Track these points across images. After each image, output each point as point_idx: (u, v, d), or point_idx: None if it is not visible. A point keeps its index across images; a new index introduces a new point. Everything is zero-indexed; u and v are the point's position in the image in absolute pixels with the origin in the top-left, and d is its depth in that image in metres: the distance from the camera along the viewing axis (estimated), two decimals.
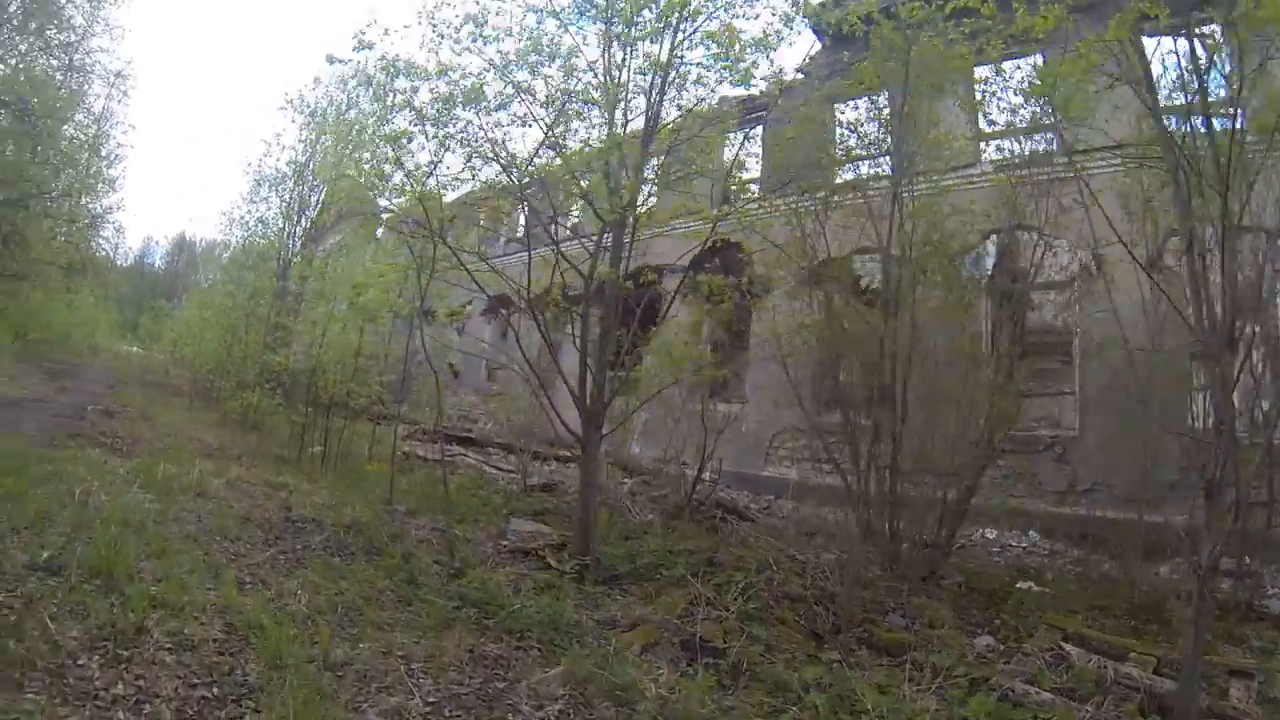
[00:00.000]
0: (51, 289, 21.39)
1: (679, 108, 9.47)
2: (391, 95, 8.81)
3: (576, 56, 8.74)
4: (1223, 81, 6.30)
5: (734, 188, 11.08)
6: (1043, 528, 12.43)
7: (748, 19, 8.90)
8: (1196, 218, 6.33)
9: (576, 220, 10.94)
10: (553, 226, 9.98)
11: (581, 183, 9.12)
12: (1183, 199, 6.37)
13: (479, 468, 14.33)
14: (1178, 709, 5.53)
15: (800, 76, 13.29)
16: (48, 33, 21.79)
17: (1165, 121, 6.83)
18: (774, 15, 8.80)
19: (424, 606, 6.61)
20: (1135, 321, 9.79)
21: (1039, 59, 11.18)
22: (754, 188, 11.73)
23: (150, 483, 8.66)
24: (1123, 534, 10.07)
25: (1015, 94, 10.52)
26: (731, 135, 11.29)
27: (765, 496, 15.74)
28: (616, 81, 8.87)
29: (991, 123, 11.35)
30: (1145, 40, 7.44)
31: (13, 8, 21.03)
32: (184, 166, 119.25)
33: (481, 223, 12.25)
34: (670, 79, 9.05)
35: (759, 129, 13.59)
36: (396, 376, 13.79)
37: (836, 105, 12.21)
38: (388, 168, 9.10)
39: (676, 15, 8.48)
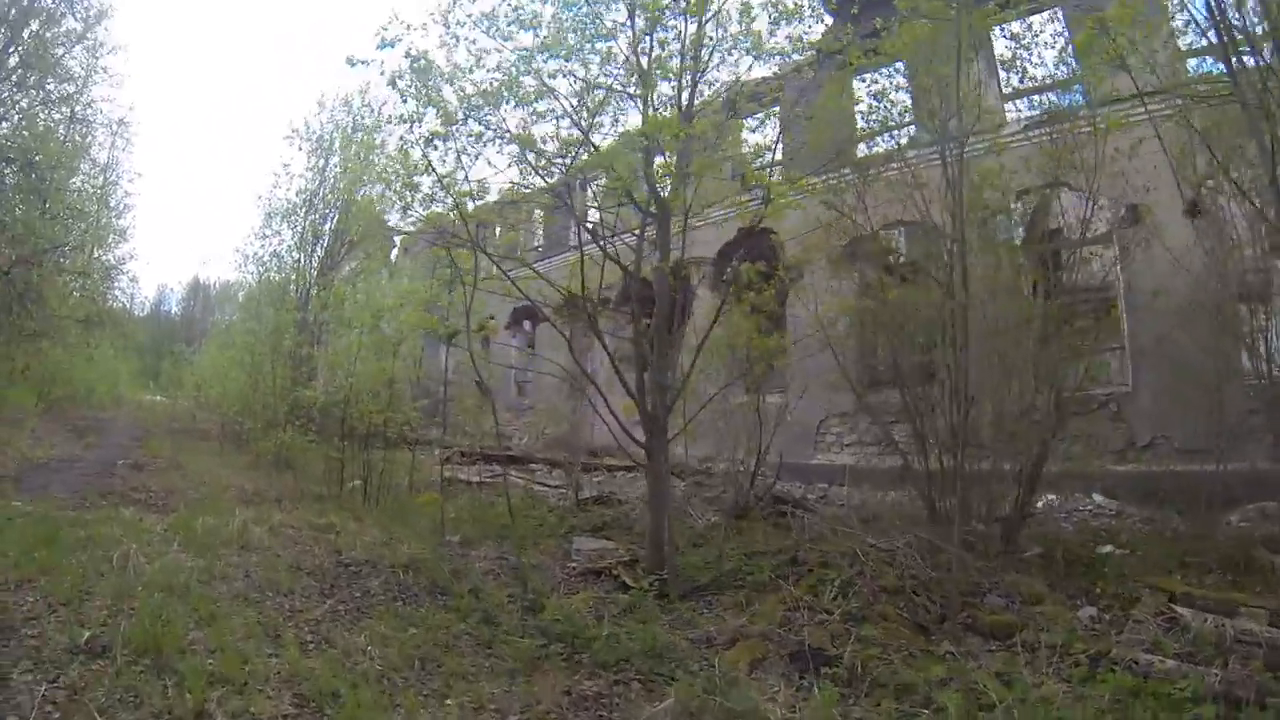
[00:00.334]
0: (71, 345, 20.83)
1: (709, 88, 8.89)
2: (422, 94, 8.17)
3: (615, 36, 8.15)
4: None
5: (763, 169, 10.44)
6: (1104, 488, 11.72)
7: None
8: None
9: (609, 216, 10.24)
10: (590, 224, 9.30)
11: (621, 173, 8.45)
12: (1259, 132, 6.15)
13: (525, 486, 13.64)
14: None
15: (813, 54, 12.64)
16: (48, 86, 21.24)
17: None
18: None
19: (506, 648, 6.03)
20: (1176, 271, 9.56)
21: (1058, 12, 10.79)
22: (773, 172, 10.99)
23: (190, 539, 8.02)
24: (1187, 486, 9.65)
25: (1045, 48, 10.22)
26: (747, 120, 10.56)
27: (818, 485, 14.99)
28: (648, 63, 8.28)
29: (1029, 79, 10.78)
30: None
31: (11, 63, 20.59)
32: (192, 210, 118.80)
33: (515, 227, 11.52)
34: (701, 57, 8.45)
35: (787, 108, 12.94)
36: (429, 400, 13.12)
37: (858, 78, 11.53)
38: (418, 177, 8.45)
39: None
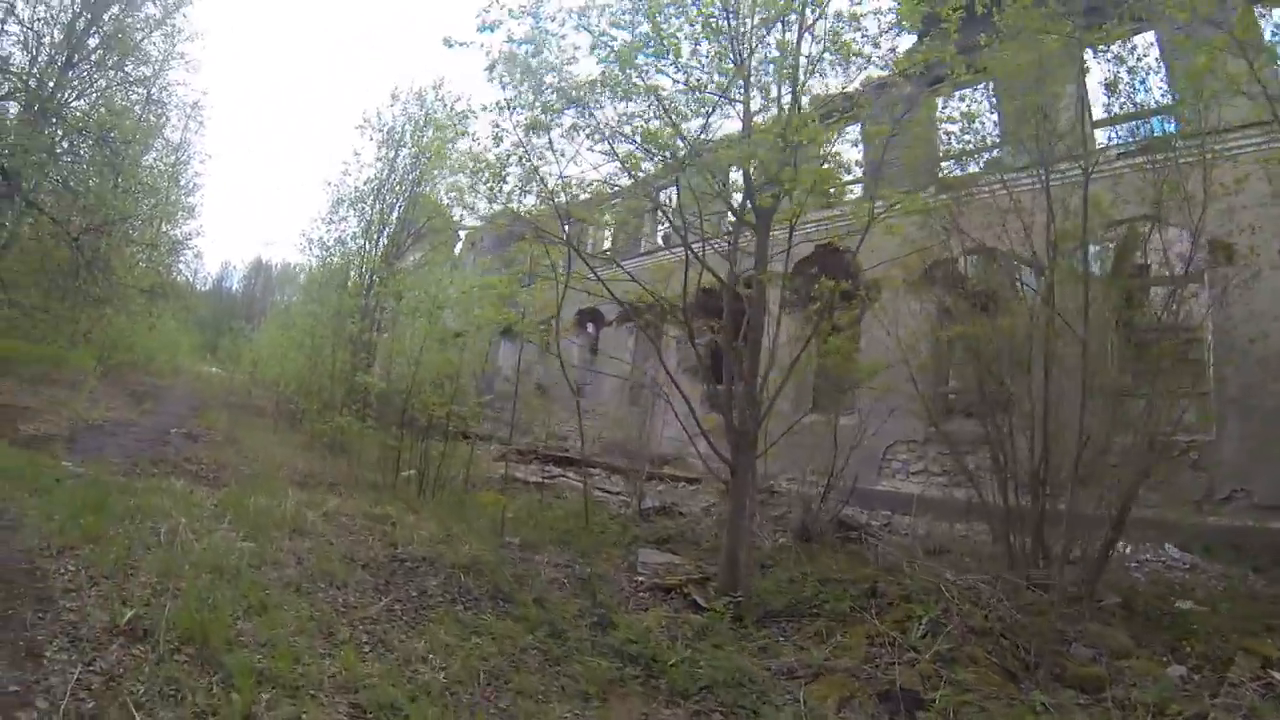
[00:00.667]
0: (135, 313, 20.76)
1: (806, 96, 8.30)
2: (525, 80, 7.65)
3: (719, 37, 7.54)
4: None
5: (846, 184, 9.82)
6: (1178, 540, 10.96)
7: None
8: None
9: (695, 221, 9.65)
10: (681, 229, 8.69)
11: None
12: None
13: (584, 491, 13.03)
14: None
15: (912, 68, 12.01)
16: (126, 68, 21.41)
17: None
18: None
19: (579, 667, 5.44)
20: (1273, 317, 8.98)
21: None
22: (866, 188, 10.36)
23: (241, 517, 7.50)
24: (1269, 544, 9.41)
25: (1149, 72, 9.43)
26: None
27: (881, 512, 14.30)
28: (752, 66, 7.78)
29: (1127, 104, 9.94)
30: None
31: (92, 43, 20.80)
32: (259, 192, 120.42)
33: (604, 227, 10.97)
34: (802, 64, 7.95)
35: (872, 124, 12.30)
36: (492, 396, 12.57)
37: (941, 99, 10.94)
38: (510, 168, 7.95)
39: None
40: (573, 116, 7.92)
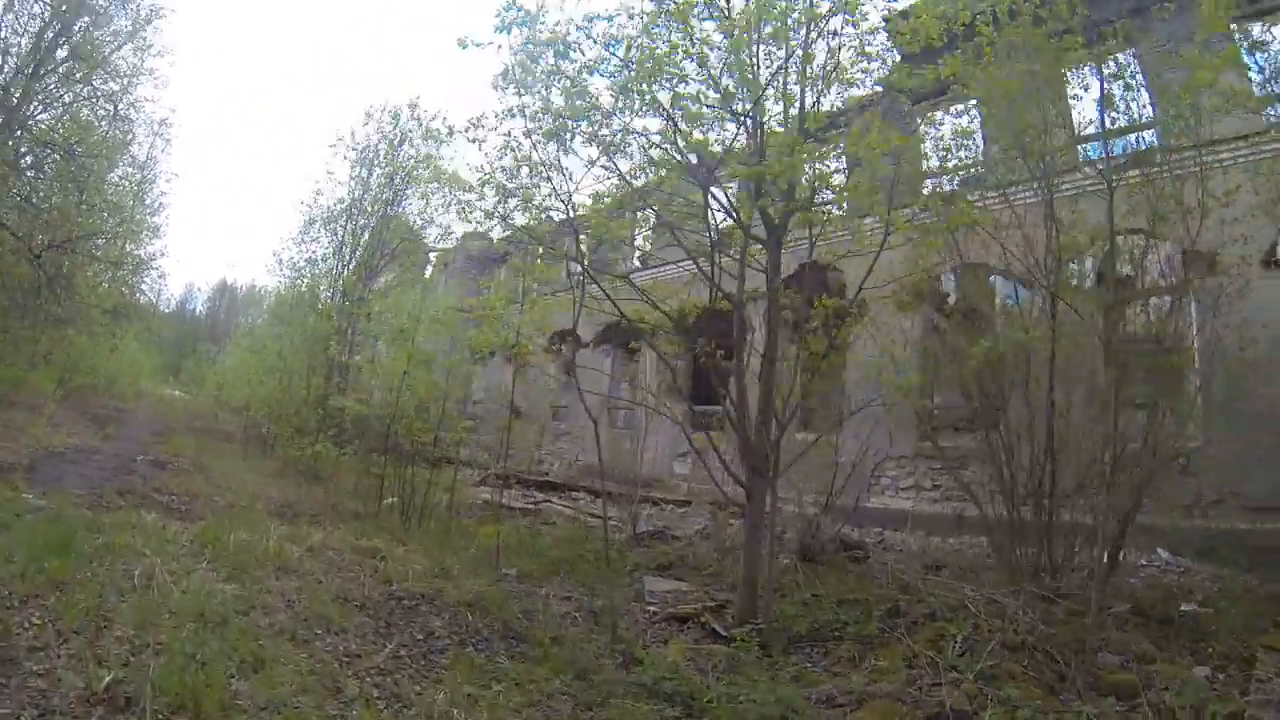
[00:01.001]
0: (97, 334, 19.76)
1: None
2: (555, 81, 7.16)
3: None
4: None
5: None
6: (1170, 544, 10.99)
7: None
8: None
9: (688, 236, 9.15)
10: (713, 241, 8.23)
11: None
12: None
13: (572, 516, 12.43)
14: None
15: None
16: (95, 82, 20.58)
17: None
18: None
19: (616, 713, 4.91)
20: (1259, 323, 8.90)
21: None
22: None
23: (220, 554, 6.80)
24: (1259, 544, 9.48)
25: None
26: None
27: (873, 529, 13.98)
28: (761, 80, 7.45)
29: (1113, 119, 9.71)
30: None
31: (60, 54, 20.03)
32: (223, 213, 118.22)
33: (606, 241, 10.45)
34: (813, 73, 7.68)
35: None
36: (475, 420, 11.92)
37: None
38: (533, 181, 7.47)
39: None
40: (587, 126, 7.41)
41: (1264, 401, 9.74)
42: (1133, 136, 10.21)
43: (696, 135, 7.73)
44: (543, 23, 7.32)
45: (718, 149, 8.02)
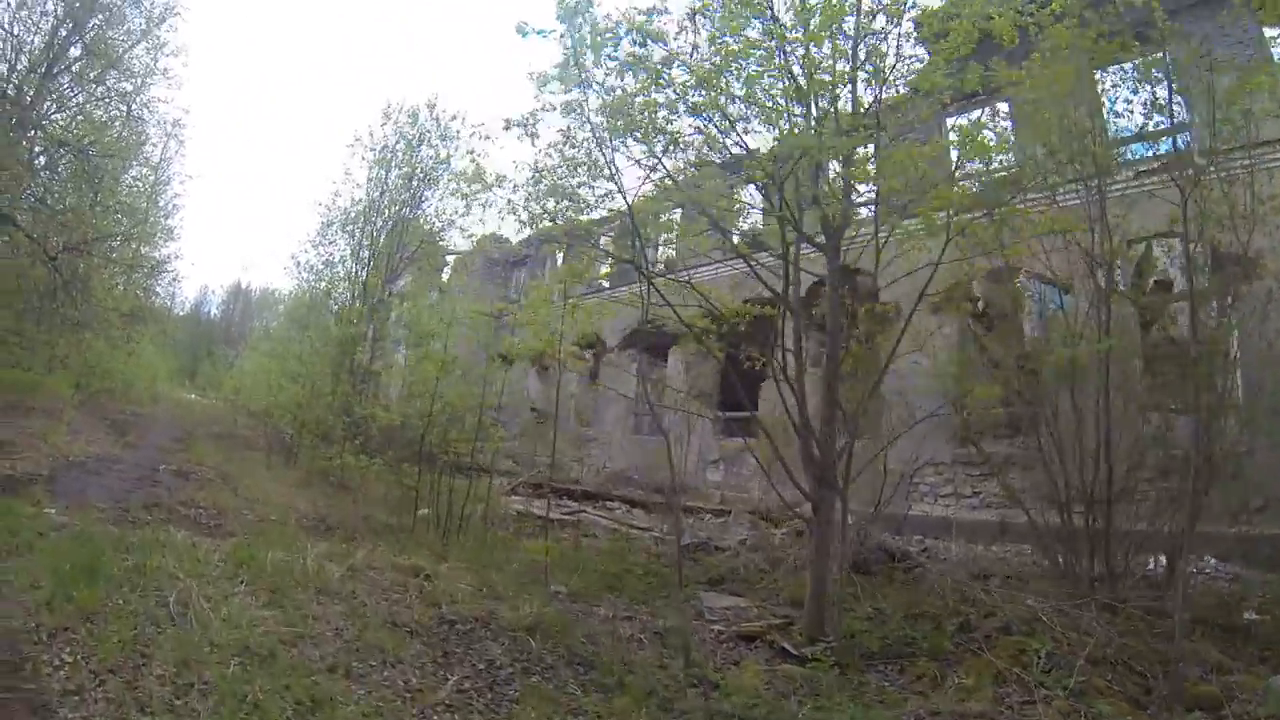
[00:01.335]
0: (114, 337, 19.30)
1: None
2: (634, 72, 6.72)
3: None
4: None
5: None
6: (1217, 551, 10.55)
7: None
8: None
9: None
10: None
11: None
12: None
13: (610, 527, 11.91)
14: None
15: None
16: (108, 81, 20.24)
17: None
18: None
19: None
20: None
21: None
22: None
23: (257, 575, 6.30)
24: None
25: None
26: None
27: (914, 537, 13.46)
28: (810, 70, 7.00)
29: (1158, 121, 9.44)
30: None
31: (74, 53, 19.71)
32: (238, 215, 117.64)
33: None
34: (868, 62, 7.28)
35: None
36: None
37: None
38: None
39: None
40: (664, 117, 7.00)
41: None
42: (1174, 139, 9.89)
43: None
44: (603, 15, 6.92)
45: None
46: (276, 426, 17.66)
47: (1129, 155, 11.49)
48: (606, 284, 17.88)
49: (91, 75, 19.88)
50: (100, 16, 19.68)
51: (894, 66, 7.42)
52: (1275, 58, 10.13)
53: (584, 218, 8.00)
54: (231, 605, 5.42)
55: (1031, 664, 5.83)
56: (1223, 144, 8.66)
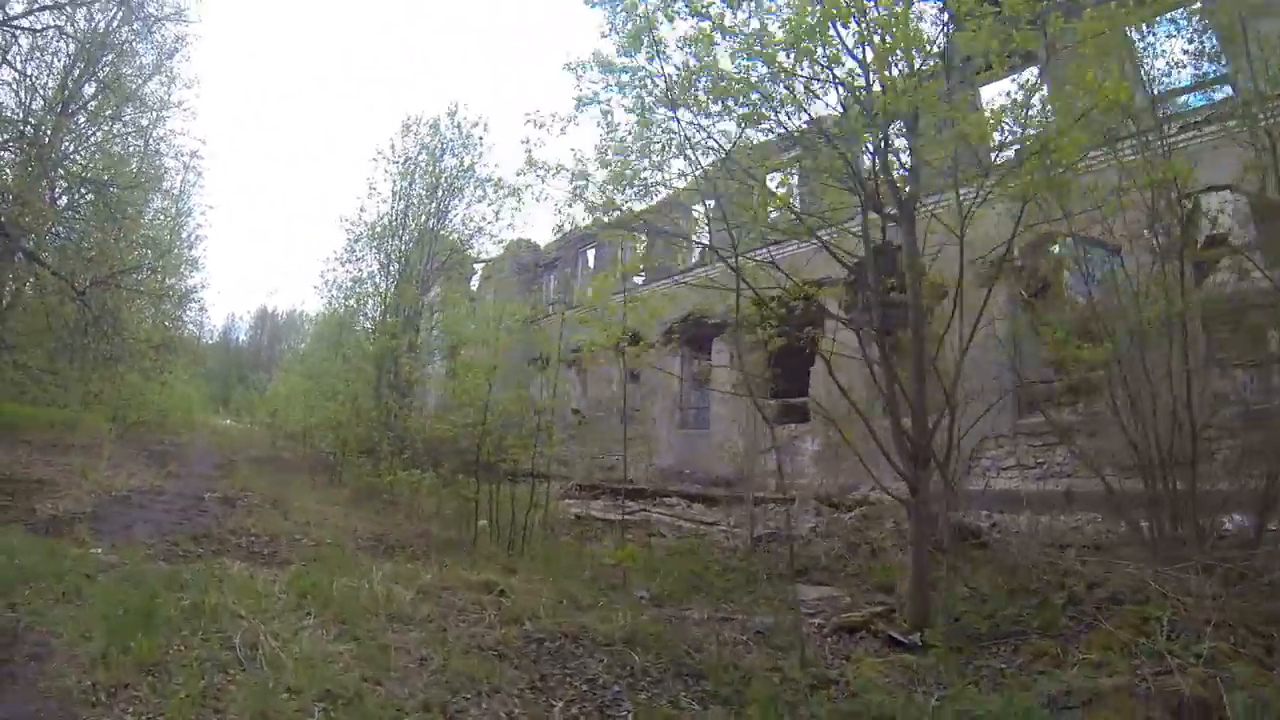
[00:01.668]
0: (146, 369, 18.92)
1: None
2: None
3: None
4: None
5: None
6: None
7: None
8: None
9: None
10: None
11: None
12: None
13: (677, 524, 11.31)
14: None
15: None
16: (125, 116, 20.04)
17: None
18: None
19: None
20: None
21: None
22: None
23: (322, 604, 5.74)
24: None
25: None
26: None
27: (980, 512, 12.79)
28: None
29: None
30: None
31: (88, 90, 19.54)
32: (260, 241, 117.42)
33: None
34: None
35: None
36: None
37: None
38: None
39: None
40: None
41: None
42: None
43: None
44: None
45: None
46: (317, 446, 17.17)
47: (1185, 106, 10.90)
48: (639, 279, 17.30)
49: (107, 112, 19.73)
50: (112, 53, 19.60)
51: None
52: None
53: (648, 204, 7.48)
54: (302, 642, 4.87)
55: (1155, 632, 5.34)
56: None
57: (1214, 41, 8.91)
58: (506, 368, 11.04)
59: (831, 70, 6.62)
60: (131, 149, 21.45)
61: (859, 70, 6.67)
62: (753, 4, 6.67)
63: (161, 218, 23.83)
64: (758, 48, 6.43)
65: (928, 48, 6.70)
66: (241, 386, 31.26)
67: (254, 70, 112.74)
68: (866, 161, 7.67)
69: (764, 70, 6.62)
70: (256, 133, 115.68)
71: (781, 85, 6.74)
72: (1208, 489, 7.50)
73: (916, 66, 6.73)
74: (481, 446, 9.72)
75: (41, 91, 18.24)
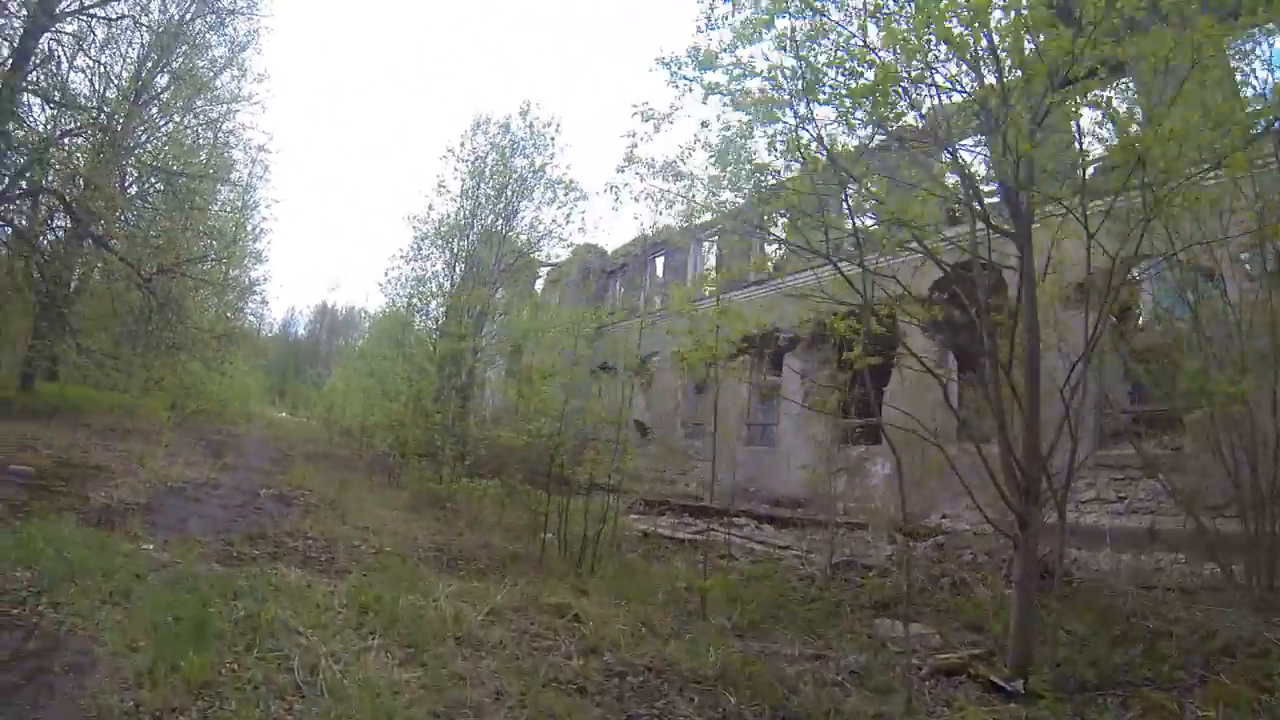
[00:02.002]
0: (208, 359, 18.90)
1: None
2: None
3: None
4: None
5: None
6: None
7: None
8: None
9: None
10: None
11: None
12: None
13: (749, 547, 10.71)
14: None
15: None
16: (196, 106, 20.21)
17: None
18: None
19: None
20: None
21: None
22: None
23: (386, 623, 5.26)
24: None
25: None
26: None
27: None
28: None
29: None
30: None
31: (161, 82, 19.70)
32: (322, 235, 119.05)
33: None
34: None
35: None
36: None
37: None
38: None
39: None
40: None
41: None
42: None
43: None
44: None
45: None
46: (374, 445, 16.87)
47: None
48: (709, 289, 16.76)
49: (179, 103, 20.02)
50: (185, 45, 19.88)
51: None
52: None
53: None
54: (365, 666, 4.38)
55: (1277, 688, 5.10)
56: None
57: None
58: (577, 376, 10.56)
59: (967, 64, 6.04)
60: (201, 140, 21.77)
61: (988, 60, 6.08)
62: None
63: (228, 209, 24.23)
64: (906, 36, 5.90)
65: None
66: (298, 380, 31.29)
67: (324, 64, 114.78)
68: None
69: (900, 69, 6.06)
70: (322, 128, 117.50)
71: (907, 81, 6.17)
72: None
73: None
74: (555, 458, 9.23)
75: (116, 81, 18.61)
